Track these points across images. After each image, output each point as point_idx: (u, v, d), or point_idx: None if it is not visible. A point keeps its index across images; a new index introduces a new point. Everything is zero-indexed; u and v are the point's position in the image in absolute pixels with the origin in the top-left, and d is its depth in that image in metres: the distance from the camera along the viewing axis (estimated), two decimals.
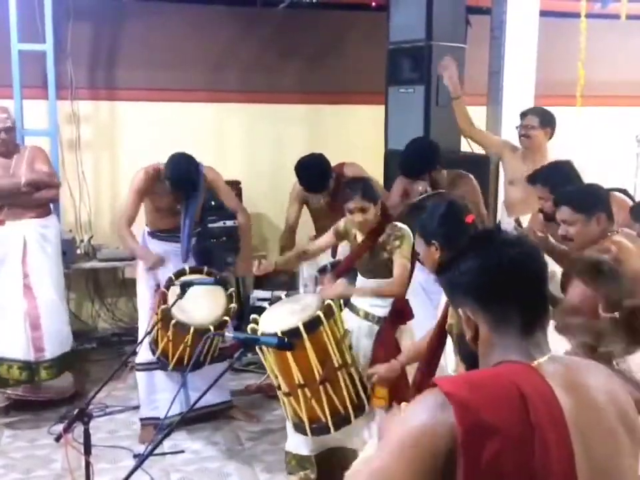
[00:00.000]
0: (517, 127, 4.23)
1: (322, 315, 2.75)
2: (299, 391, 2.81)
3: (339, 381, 2.81)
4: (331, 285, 3.03)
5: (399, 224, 3.07)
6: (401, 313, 3.04)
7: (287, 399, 2.89)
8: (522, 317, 1.25)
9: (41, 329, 4.02)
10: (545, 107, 4.27)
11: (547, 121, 4.15)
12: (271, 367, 2.86)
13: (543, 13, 4.82)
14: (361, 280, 3.18)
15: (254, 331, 2.79)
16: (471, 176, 3.85)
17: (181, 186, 3.65)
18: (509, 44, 4.70)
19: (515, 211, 4.06)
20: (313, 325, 2.73)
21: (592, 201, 2.66)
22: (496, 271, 1.27)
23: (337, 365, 2.80)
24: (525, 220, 4.05)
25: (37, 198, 4.03)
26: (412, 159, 3.64)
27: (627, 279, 1.91)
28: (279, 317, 2.89)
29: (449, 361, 2.31)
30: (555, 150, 4.18)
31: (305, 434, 2.93)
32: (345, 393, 2.83)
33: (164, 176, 3.67)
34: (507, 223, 3.95)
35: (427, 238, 2.45)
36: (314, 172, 3.90)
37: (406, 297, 3.06)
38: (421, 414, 1.13)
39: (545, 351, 1.26)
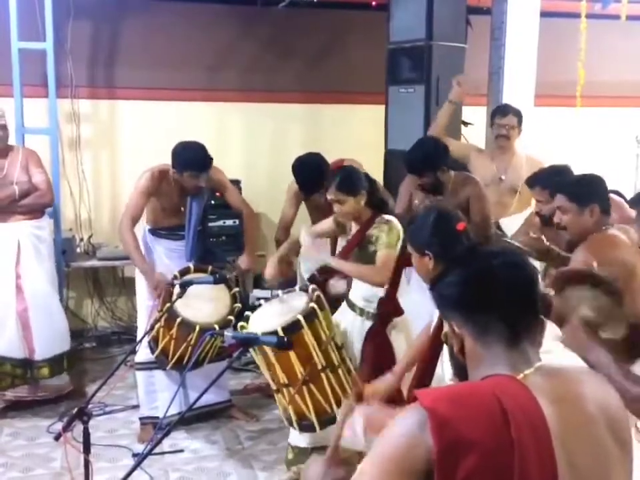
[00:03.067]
0: (495, 126, 4.20)
1: (302, 319, 2.77)
2: (284, 390, 2.87)
3: (322, 382, 2.84)
4: (315, 249, 3.07)
5: (387, 216, 3.04)
6: (388, 311, 3.01)
7: (276, 395, 2.96)
8: (507, 327, 1.24)
9: (31, 331, 4.02)
10: (544, 107, 4.28)
11: (521, 120, 4.20)
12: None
13: (544, 14, 4.82)
14: None
15: (243, 329, 2.85)
16: (478, 179, 3.81)
17: (199, 164, 3.62)
18: (509, 44, 4.70)
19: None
20: (292, 328, 2.74)
21: (587, 191, 2.66)
22: (478, 282, 1.27)
23: (320, 367, 2.82)
24: (504, 223, 4.05)
25: (28, 204, 4.03)
26: (417, 156, 3.64)
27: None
28: (266, 317, 2.92)
29: (447, 370, 2.30)
30: (555, 150, 4.19)
31: (295, 428, 2.99)
32: (330, 393, 2.85)
33: (172, 159, 3.64)
34: None
35: (419, 249, 2.43)
36: (308, 173, 3.90)
37: (395, 295, 3.01)
38: (401, 430, 1.14)
39: (533, 361, 1.24)
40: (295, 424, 2.95)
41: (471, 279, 1.27)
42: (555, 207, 2.75)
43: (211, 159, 3.69)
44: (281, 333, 2.68)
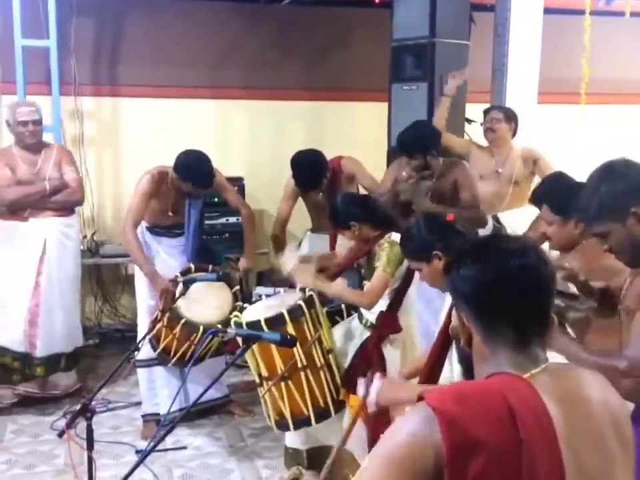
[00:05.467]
0: (481, 124, 4.37)
1: (286, 314, 2.78)
2: (264, 383, 2.90)
3: (301, 380, 2.84)
4: (307, 273, 3.04)
5: (394, 234, 2.97)
6: (386, 326, 2.96)
7: (259, 389, 2.97)
8: (517, 332, 1.22)
9: (37, 327, 4.04)
10: (548, 105, 4.29)
11: (510, 116, 4.30)
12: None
13: (547, 10, 4.81)
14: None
15: (237, 322, 2.87)
16: (464, 162, 3.94)
17: (205, 180, 3.66)
18: (513, 41, 4.69)
19: (488, 207, 4.07)
20: (275, 321, 2.75)
21: (570, 203, 2.61)
22: (493, 285, 1.23)
23: (300, 365, 2.82)
24: (503, 218, 4.11)
25: (58, 201, 4.08)
26: (410, 136, 3.71)
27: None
28: (257, 310, 2.95)
29: (455, 368, 2.28)
30: (559, 148, 4.18)
31: (271, 425, 3.00)
32: (307, 393, 2.85)
33: (178, 170, 3.65)
34: None
35: (425, 254, 2.41)
36: (307, 172, 3.87)
37: (395, 312, 2.97)
38: (408, 429, 1.12)
39: (540, 361, 1.23)
40: (272, 421, 2.96)
41: (487, 279, 1.23)
42: (541, 217, 2.71)
43: (213, 171, 3.69)
44: (263, 325, 2.71)
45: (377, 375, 2.36)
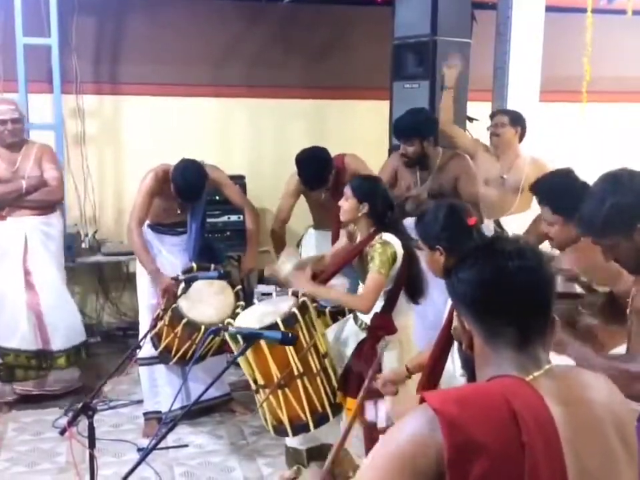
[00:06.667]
0: (487, 128, 4.26)
1: (280, 323, 2.75)
2: (261, 390, 2.88)
3: (297, 388, 2.82)
4: (303, 277, 2.99)
5: (385, 234, 2.91)
6: (380, 327, 2.94)
7: (256, 395, 2.95)
8: (517, 332, 1.22)
9: (45, 323, 4.05)
10: (549, 103, 4.27)
11: (516, 120, 4.18)
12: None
13: (549, 9, 4.80)
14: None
15: (229, 325, 2.84)
16: (467, 156, 3.88)
17: (186, 196, 3.66)
18: (515, 39, 4.68)
19: (492, 212, 4.04)
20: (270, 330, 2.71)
21: (572, 203, 2.56)
22: (491, 287, 1.23)
23: (296, 373, 2.81)
24: (505, 222, 4.06)
25: (36, 199, 4.03)
26: (406, 121, 3.71)
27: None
28: (251, 317, 2.92)
29: (457, 365, 2.28)
30: (560, 146, 4.18)
31: (270, 431, 2.99)
32: (304, 400, 2.84)
33: (171, 178, 3.66)
34: (484, 226, 3.91)
35: (430, 243, 2.40)
36: (313, 170, 3.83)
37: (390, 312, 2.94)
38: (409, 431, 1.12)
39: (542, 363, 1.23)
40: (270, 427, 2.95)
41: (485, 281, 1.24)
42: (542, 218, 2.70)
43: (203, 187, 3.66)
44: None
45: (384, 399, 2.30)
